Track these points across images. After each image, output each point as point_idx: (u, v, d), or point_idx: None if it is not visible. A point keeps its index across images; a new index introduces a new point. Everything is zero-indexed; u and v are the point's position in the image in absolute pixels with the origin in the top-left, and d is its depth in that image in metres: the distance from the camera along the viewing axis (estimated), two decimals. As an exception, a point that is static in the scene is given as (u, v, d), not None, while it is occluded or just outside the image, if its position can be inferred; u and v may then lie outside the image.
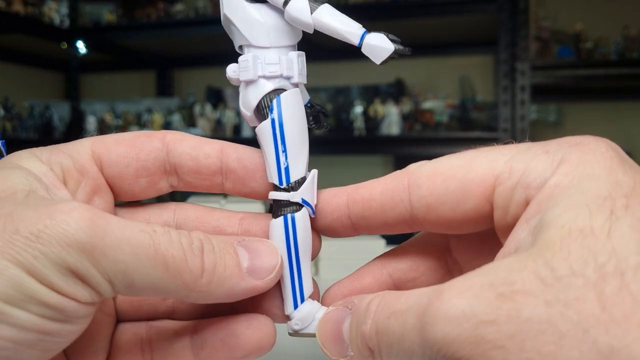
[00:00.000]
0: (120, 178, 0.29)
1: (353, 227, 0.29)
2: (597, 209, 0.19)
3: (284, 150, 0.27)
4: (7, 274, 0.20)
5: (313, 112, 0.29)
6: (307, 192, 0.28)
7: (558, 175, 0.22)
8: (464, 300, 0.19)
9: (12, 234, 0.21)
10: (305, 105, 0.29)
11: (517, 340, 0.18)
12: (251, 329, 0.28)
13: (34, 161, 0.26)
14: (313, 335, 0.27)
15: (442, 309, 0.20)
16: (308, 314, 0.28)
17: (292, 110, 0.28)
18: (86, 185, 0.28)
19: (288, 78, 0.28)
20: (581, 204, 0.20)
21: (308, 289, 0.28)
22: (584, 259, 0.18)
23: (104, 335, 0.29)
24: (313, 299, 0.28)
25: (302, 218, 0.28)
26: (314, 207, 0.28)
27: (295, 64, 0.28)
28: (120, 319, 0.30)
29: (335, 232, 0.29)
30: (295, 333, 0.28)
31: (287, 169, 0.28)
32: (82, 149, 0.28)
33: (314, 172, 0.29)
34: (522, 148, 0.24)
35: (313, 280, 0.29)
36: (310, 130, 0.29)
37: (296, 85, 0.28)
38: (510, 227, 0.23)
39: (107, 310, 0.29)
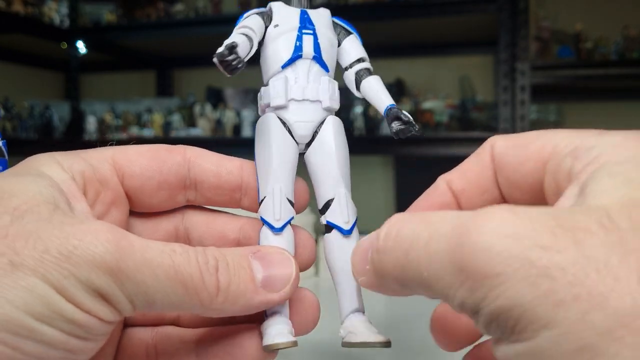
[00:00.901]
0: (141, 190, 0.29)
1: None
2: None
3: None
4: (38, 292, 0.21)
5: (391, 118, 0.30)
6: (333, 214, 0.30)
7: (607, 152, 0.22)
8: (521, 220, 0.18)
9: (42, 253, 0.21)
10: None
11: (568, 273, 0.17)
12: (254, 340, 0.28)
13: (55, 168, 0.27)
14: (362, 345, 0.27)
15: (493, 223, 0.18)
16: (354, 325, 0.28)
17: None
18: (105, 196, 0.28)
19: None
20: (635, 180, 0.20)
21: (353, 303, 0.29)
22: None
23: (112, 341, 0.29)
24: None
25: (330, 238, 0.30)
26: (343, 227, 0.30)
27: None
28: (127, 324, 0.30)
29: None
30: (346, 343, 0.28)
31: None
32: (104, 159, 0.29)
33: (340, 192, 0.30)
34: (579, 131, 0.25)
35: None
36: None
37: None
38: (556, 194, 0.23)
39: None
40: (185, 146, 0.30)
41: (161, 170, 0.29)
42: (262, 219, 0.29)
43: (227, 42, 0.28)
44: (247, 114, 2.41)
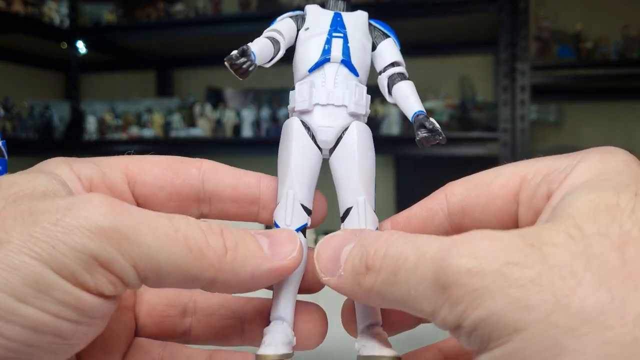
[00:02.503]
0: (152, 200, 0.29)
1: None
2: (622, 190, 0.21)
3: None
4: (24, 270, 0.20)
5: (417, 125, 0.29)
6: (351, 223, 0.29)
7: (579, 169, 0.24)
8: (494, 243, 0.20)
9: (30, 226, 0.20)
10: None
11: (536, 283, 0.19)
12: None
13: (64, 168, 0.27)
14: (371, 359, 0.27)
15: (471, 246, 0.20)
16: (367, 339, 0.28)
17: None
18: None
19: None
20: (606, 187, 0.21)
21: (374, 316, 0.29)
22: (610, 224, 0.19)
23: (121, 346, 0.29)
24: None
25: None
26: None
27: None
28: (139, 333, 0.30)
29: None
30: (359, 357, 0.28)
31: None
32: (116, 166, 0.28)
33: (359, 201, 0.29)
34: (545, 157, 0.26)
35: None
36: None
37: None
38: (532, 223, 0.25)
39: (126, 320, 0.29)
40: (203, 160, 0.30)
41: (173, 181, 0.29)
42: (274, 222, 0.29)
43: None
44: (247, 114, 2.41)
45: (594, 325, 0.18)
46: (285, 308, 0.28)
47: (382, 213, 0.30)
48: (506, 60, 1.99)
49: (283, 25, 0.30)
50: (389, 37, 0.32)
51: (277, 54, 0.30)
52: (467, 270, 0.19)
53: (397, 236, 0.23)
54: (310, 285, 0.29)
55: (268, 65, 0.30)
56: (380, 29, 0.32)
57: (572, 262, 0.19)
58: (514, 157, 1.94)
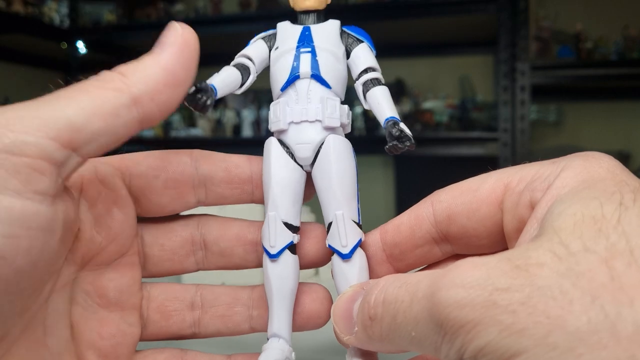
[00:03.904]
0: (149, 189, 0.29)
1: (387, 260, 0.30)
2: (606, 200, 0.20)
3: None
4: None
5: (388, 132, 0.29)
6: (332, 238, 0.30)
7: (563, 178, 0.23)
8: (480, 270, 0.20)
9: None
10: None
11: (527, 305, 0.18)
12: None
13: None
14: None
15: (457, 277, 0.20)
16: (355, 351, 0.28)
17: None
18: (107, 196, 0.28)
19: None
20: (590, 197, 0.21)
21: None
22: (596, 238, 0.19)
23: (127, 354, 0.29)
24: None
25: (333, 262, 0.30)
26: (340, 251, 0.29)
27: None
28: (148, 330, 0.31)
29: (372, 270, 0.30)
30: None
31: None
32: (109, 162, 0.29)
33: (338, 215, 0.29)
34: (531, 163, 0.26)
35: None
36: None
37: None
38: (517, 231, 0.25)
39: (131, 320, 0.30)
40: (193, 150, 0.31)
41: (167, 168, 0.30)
42: (261, 243, 0.30)
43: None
44: (247, 114, 2.41)
45: (590, 345, 0.17)
46: (280, 325, 0.29)
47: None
48: (506, 60, 1.99)
49: (253, 50, 0.31)
50: (362, 42, 0.31)
51: (246, 80, 0.30)
52: (456, 303, 0.19)
53: (392, 280, 0.23)
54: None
55: (239, 92, 0.30)
56: (353, 35, 0.31)
57: (560, 281, 0.18)
58: (514, 157, 1.94)
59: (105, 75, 0.24)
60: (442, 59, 2.53)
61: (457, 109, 2.23)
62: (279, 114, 0.30)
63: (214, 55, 3.18)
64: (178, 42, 0.25)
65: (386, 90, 0.30)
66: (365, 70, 0.31)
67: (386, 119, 0.29)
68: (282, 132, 0.30)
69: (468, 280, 0.20)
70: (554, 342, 0.18)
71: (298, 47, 0.30)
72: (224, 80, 0.29)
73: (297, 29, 0.31)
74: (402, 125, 0.29)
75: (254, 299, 0.31)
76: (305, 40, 0.30)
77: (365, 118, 2.24)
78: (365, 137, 2.24)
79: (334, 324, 0.26)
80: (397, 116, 0.29)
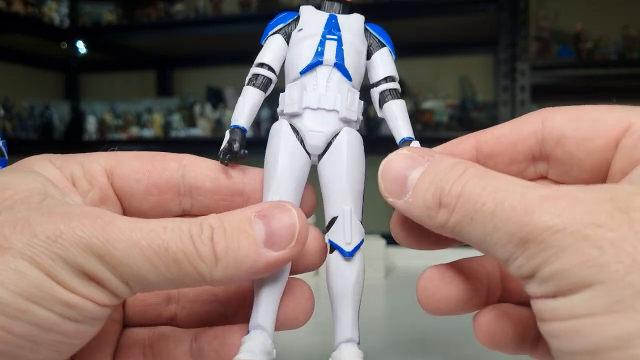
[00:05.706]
0: (130, 193, 0.29)
1: None
2: None
3: None
4: (27, 274, 0.21)
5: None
6: (335, 233, 0.28)
7: None
8: (580, 206, 0.20)
9: (30, 237, 0.21)
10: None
11: (616, 246, 0.19)
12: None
13: (47, 165, 0.27)
14: None
15: (556, 206, 0.20)
16: (342, 356, 0.27)
17: None
18: (93, 194, 0.28)
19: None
20: None
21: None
22: None
23: (111, 341, 0.29)
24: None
25: (331, 260, 0.28)
26: (344, 248, 0.28)
27: None
28: (125, 324, 0.30)
29: None
30: None
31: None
32: (96, 160, 0.29)
33: (346, 210, 0.28)
34: None
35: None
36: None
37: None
38: (624, 173, 0.24)
39: (116, 317, 0.30)
40: (185, 154, 0.30)
41: (150, 173, 0.29)
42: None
43: (227, 136, 0.28)
44: (247, 114, 2.41)
45: None
46: (265, 316, 0.27)
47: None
48: (506, 60, 1.99)
49: (272, 54, 0.30)
50: (384, 46, 0.31)
51: (268, 88, 0.30)
52: (549, 227, 0.20)
53: (473, 174, 0.23)
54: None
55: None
56: (376, 37, 0.31)
57: None
58: (514, 157, 1.94)
59: None
60: (442, 59, 2.53)
61: (457, 109, 2.23)
62: (295, 97, 0.28)
63: (214, 55, 3.18)
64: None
65: (403, 105, 0.30)
66: (385, 79, 0.31)
67: (402, 139, 0.29)
68: (295, 116, 0.29)
69: (567, 213, 0.20)
70: (629, 281, 0.18)
71: (324, 33, 0.29)
72: (251, 115, 0.29)
73: (324, 15, 0.30)
74: (417, 144, 0.29)
75: (230, 295, 0.30)
76: (332, 27, 0.30)
77: (366, 118, 2.23)
78: (365, 137, 2.23)
79: (380, 181, 0.25)
80: (412, 135, 0.29)
